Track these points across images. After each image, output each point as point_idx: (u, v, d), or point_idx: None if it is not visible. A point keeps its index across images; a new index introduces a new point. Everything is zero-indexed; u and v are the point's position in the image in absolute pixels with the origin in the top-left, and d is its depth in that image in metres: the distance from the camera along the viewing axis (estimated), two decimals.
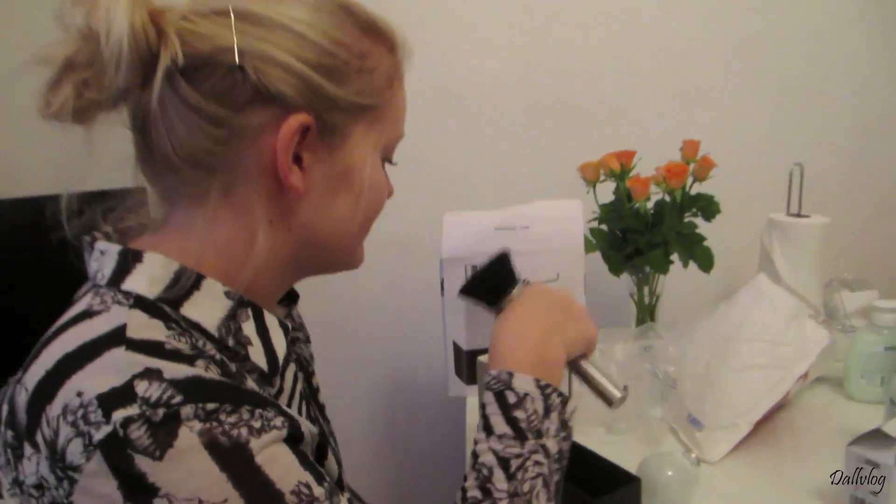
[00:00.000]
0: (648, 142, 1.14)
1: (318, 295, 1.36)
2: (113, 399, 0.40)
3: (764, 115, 1.32)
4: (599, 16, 1.29)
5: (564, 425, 0.53)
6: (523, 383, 0.52)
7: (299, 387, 0.60)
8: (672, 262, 1.09)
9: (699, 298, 1.18)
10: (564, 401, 0.54)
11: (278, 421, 0.44)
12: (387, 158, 0.57)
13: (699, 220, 1.12)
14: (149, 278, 0.47)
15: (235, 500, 0.40)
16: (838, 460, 0.70)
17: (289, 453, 0.44)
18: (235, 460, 0.40)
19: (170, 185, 0.50)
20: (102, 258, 0.48)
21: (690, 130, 1.14)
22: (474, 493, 0.50)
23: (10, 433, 0.43)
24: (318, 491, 0.43)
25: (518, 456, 0.50)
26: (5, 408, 0.45)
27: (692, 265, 1.09)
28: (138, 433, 0.39)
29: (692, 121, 1.31)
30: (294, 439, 0.45)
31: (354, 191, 0.53)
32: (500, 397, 0.52)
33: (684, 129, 1.15)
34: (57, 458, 0.40)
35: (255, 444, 0.41)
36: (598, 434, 0.88)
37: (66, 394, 0.41)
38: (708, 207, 1.10)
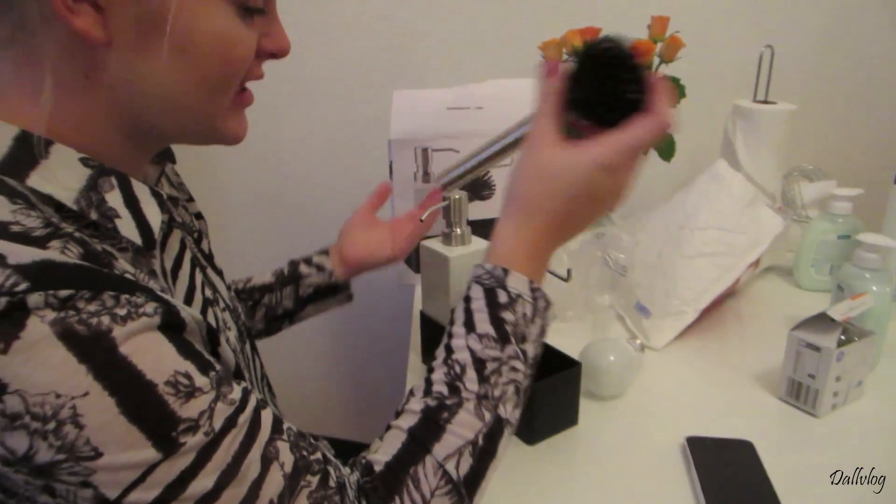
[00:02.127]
0: (614, 18, 1.06)
1: (255, 186, 1.30)
2: None
3: None
4: None
5: (543, 330, 0.51)
6: (518, 284, 0.49)
7: (187, 255, 0.55)
8: None
9: (660, 188, 1.14)
10: (548, 305, 0.51)
11: (149, 307, 0.39)
12: (247, 5, 0.46)
13: None
14: None
15: (98, 393, 0.36)
16: (782, 347, 0.70)
17: (164, 342, 0.39)
18: (95, 350, 0.36)
19: None
20: None
21: (659, 7, 1.06)
22: (440, 387, 0.47)
23: None
24: (202, 381, 0.40)
25: (495, 359, 0.47)
26: None
27: (653, 153, 1.05)
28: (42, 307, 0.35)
29: None
30: (171, 326, 0.41)
31: (175, 41, 0.43)
32: (490, 295, 0.49)
33: (653, 6, 1.07)
34: None
35: (118, 332, 0.37)
36: None
37: None
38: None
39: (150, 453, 0.37)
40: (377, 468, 0.45)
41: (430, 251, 0.74)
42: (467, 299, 0.50)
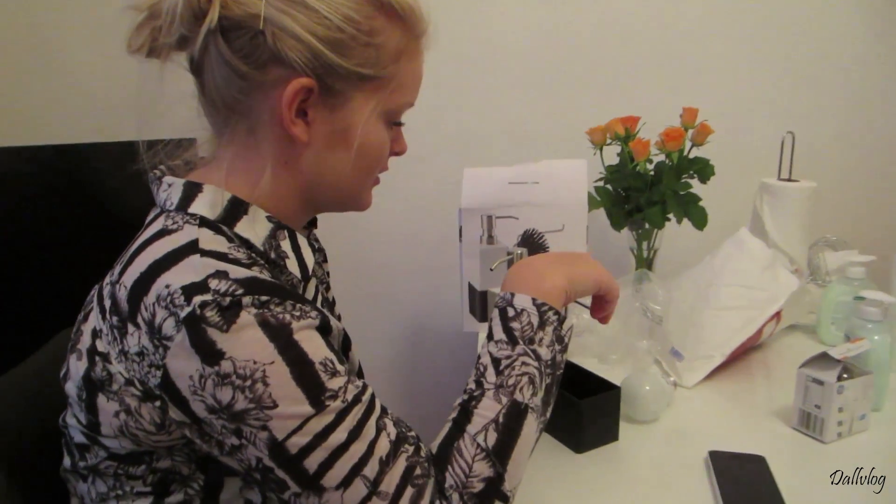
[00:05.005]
0: (653, 109, 1.24)
1: (350, 246, 1.51)
2: (193, 289, 0.53)
3: (760, 86, 1.43)
4: None
5: (560, 339, 0.65)
6: (522, 301, 0.65)
7: (319, 298, 0.74)
8: (668, 220, 1.21)
9: (693, 254, 1.29)
10: (561, 319, 0.66)
11: (313, 314, 0.57)
12: (393, 121, 0.67)
13: (696, 182, 1.23)
14: (209, 204, 0.60)
15: (280, 363, 0.53)
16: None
17: (319, 337, 0.57)
18: (280, 335, 0.53)
19: (215, 123, 0.64)
20: (170, 189, 0.62)
21: (691, 98, 1.24)
22: (471, 385, 0.63)
23: (115, 318, 0.57)
24: (340, 367, 0.57)
25: (508, 357, 0.62)
26: (108, 301, 0.58)
27: (687, 223, 1.20)
28: (211, 313, 0.52)
29: (693, 89, 1.42)
30: (323, 329, 0.58)
31: (351, 146, 0.63)
32: (503, 312, 0.65)
33: (686, 97, 1.26)
34: (155, 332, 0.54)
35: (295, 325, 0.55)
36: (591, 364, 1.01)
37: (158, 287, 0.54)
38: (703, 170, 1.21)
39: (307, 409, 0.53)
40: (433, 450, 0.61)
41: (495, 295, 0.91)
42: (490, 320, 0.66)
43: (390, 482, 0.55)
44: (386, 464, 0.56)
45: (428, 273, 1.54)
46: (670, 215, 1.20)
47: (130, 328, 0.55)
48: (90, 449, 0.60)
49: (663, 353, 1.01)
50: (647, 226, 1.23)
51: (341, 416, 0.55)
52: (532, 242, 1.15)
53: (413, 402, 1.63)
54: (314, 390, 0.54)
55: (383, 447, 0.56)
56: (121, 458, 0.59)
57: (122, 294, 0.57)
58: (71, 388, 0.60)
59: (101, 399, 0.57)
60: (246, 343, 0.53)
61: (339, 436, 0.54)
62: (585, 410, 0.78)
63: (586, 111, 1.31)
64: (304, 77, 0.58)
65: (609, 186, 1.25)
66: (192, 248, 0.56)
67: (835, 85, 1.43)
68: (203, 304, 0.52)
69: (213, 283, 0.53)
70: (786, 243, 1.21)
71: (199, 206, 0.60)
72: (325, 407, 0.54)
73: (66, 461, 0.64)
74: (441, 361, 1.58)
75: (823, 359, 0.80)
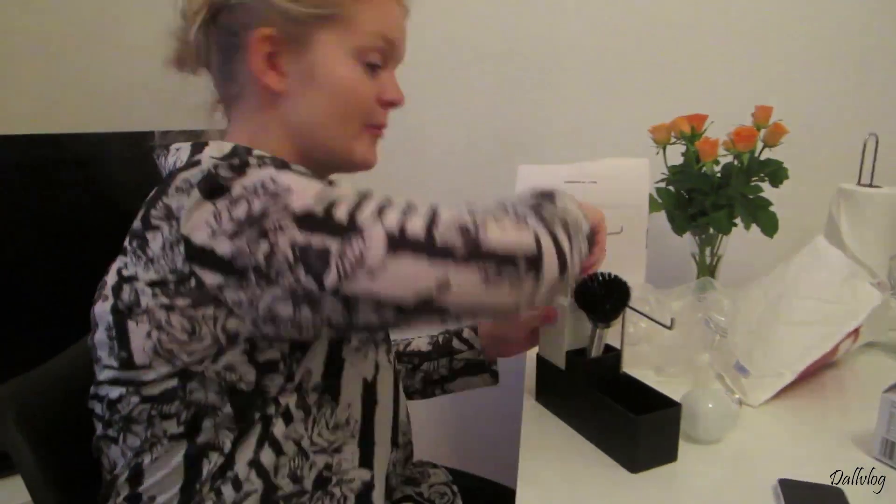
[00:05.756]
0: (722, 107, 1.17)
1: None
2: (207, 163, 0.57)
3: (840, 84, 1.32)
4: None
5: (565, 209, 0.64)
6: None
7: None
8: (735, 225, 1.13)
9: (761, 263, 1.21)
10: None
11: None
12: (368, 62, 0.69)
13: (767, 186, 1.15)
14: (217, 151, 0.64)
15: (287, 173, 0.55)
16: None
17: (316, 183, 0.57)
18: (286, 170, 0.57)
19: (223, 96, 0.71)
20: (178, 152, 0.65)
21: (765, 96, 1.16)
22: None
23: (135, 242, 0.59)
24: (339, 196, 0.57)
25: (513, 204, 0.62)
26: (127, 241, 0.60)
27: (756, 229, 1.13)
28: (223, 170, 0.55)
29: (767, 87, 1.33)
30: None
31: (325, 89, 0.66)
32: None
33: (759, 96, 1.18)
34: (172, 216, 0.56)
35: (293, 167, 0.59)
36: (648, 375, 0.95)
37: (177, 181, 0.57)
38: (776, 173, 1.13)
39: (318, 185, 0.56)
40: None
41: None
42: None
43: (420, 203, 0.57)
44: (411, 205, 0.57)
45: None
46: (737, 220, 1.13)
47: (150, 235, 0.57)
48: (122, 399, 0.61)
49: (727, 367, 0.94)
50: (711, 231, 1.16)
51: (351, 192, 0.57)
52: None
53: (461, 400, 1.60)
54: (321, 184, 0.57)
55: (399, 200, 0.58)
56: (154, 399, 0.59)
57: (138, 219, 0.59)
58: (101, 335, 0.61)
59: (131, 325, 0.58)
60: (253, 175, 0.55)
61: (355, 196, 0.56)
62: (642, 428, 0.72)
63: (650, 108, 1.24)
64: (263, 27, 0.64)
65: (672, 188, 1.18)
66: (208, 159, 0.61)
67: None
68: (216, 165, 0.56)
69: (225, 161, 0.58)
70: (865, 254, 1.12)
71: (207, 155, 0.63)
72: (334, 185, 0.57)
73: (99, 429, 0.65)
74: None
75: None
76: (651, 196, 1.13)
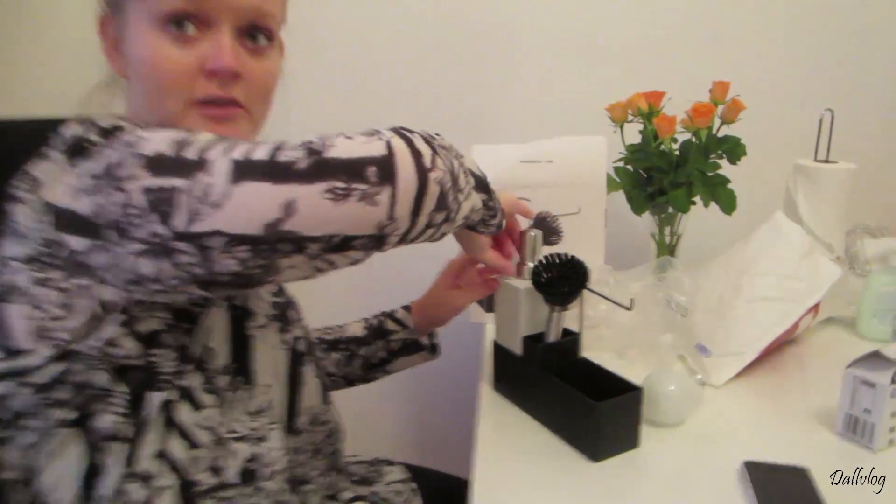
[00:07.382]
0: (679, 83, 1.15)
1: None
2: (72, 129, 0.55)
3: (797, 60, 1.31)
4: None
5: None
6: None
7: None
8: (694, 203, 1.11)
9: (720, 241, 1.19)
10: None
11: None
12: (169, 21, 0.58)
13: (725, 163, 1.13)
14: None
15: (147, 134, 0.52)
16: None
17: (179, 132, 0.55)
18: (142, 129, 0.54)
19: None
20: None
21: (722, 73, 1.14)
22: None
23: (3, 220, 0.55)
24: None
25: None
26: None
27: (714, 207, 1.11)
28: (92, 133, 0.54)
29: (724, 63, 1.31)
30: None
31: (135, 68, 0.61)
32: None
33: (715, 72, 1.16)
34: (37, 184, 0.53)
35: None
36: (608, 358, 0.92)
37: (41, 152, 0.55)
38: (733, 149, 1.12)
39: (172, 134, 0.53)
40: None
41: (506, 284, 0.83)
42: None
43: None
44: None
45: (431, 261, 1.46)
46: (696, 198, 1.11)
47: (13, 208, 0.54)
48: (10, 395, 0.55)
49: (688, 347, 0.92)
50: (670, 210, 1.14)
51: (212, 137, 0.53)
52: (545, 226, 1.06)
53: (418, 391, 1.56)
54: (185, 133, 0.53)
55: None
56: (43, 388, 0.55)
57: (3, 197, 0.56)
58: None
59: (7, 309, 0.54)
60: (120, 134, 0.53)
61: (214, 138, 0.52)
62: (603, 414, 0.69)
63: (607, 86, 1.21)
64: (102, 11, 0.63)
65: (630, 167, 1.16)
66: (74, 125, 0.57)
67: (878, 61, 1.31)
68: (86, 129, 0.54)
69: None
70: (821, 229, 1.11)
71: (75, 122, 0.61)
72: (192, 132, 0.54)
73: None
74: (446, 351, 1.50)
75: (874, 358, 0.71)
76: (609, 176, 1.10)
